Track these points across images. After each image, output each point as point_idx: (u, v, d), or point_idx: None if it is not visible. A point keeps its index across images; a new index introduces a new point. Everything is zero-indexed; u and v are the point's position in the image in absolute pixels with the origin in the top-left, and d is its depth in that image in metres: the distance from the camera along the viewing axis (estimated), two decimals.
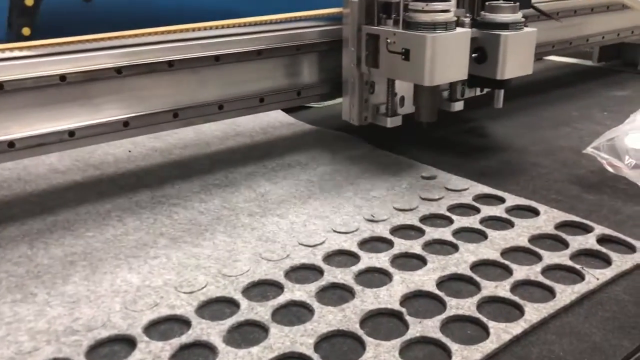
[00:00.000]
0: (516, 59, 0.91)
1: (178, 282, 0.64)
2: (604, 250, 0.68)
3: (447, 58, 0.82)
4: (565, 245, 0.70)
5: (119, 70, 0.78)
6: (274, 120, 1.20)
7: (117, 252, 0.70)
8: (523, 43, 0.91)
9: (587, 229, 0.73)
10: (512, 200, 0.81)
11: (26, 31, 1.10)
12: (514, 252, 0.69)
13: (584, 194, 0.85)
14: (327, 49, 0.97)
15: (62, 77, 0.74)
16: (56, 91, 0.75)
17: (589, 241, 0.70)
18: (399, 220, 0.76)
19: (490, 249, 0.69)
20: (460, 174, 0.91)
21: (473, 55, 0.91)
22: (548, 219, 0.76)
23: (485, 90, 1.06)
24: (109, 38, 0.79)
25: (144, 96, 0.80)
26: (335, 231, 0.74)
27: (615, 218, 0.77)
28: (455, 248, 0.70)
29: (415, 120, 0.91)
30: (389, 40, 0.86)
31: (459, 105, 1.04)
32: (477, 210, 0.79)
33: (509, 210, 0.79)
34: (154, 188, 0.88)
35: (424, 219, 0.77)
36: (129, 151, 1.04)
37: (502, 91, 0.99)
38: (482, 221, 0.76)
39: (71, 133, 0.76)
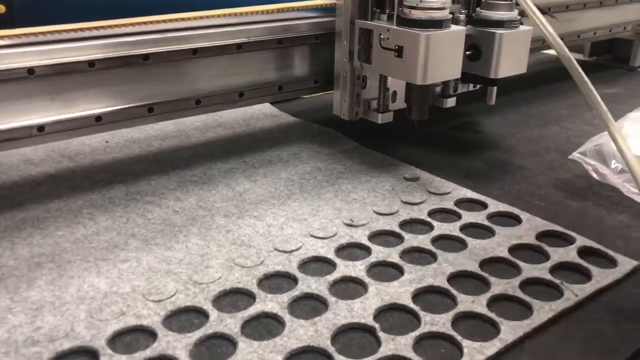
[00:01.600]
0: (511, 58, 0.89)
1: (147, 288, 0.62)
2: (584, 264, 0.67)
3: (441, 57, 0.80)
4: (546, 257, 0.68)
5: (91, 64, 0.75)
6: (258, 112, 1.17)
7: (87, 254, 0.68)
8: (518, 41, 0.89)
9: (569, 240, 0.72)
10: (494, 206, 0.80)
11: (1, 8, 1.06)
12: (493, 263, 0.67)
13: (569, 200, 0.84)
14: (312, 43, 0.94)
15: (31, 70, 0.71)
16: (24, 85, 0.72)
17: (570, 254, 0.69)
18: (379, 225, 0.75)
19: (469, 260, 0.67)
20: (444, 175, 0.89)
21: (467, 52, 0.88)
22: (530, 227, 0.74)
23: (478, 85, 1.04)
24: (82, 29, 0.76)
25: (118, 90, 0.78)
26: (312, 236, 0.72)
27: (598, 228, 0.76)
28: (433, 257, 0.68)
29: (405, 117, 0.89)
30: (382, 36, 0.83)
31: (451, 102, 1.02)
32: (459, 217, 0.77)
33: (491, 217, 0.77)
34: (129, 183, 0.86)
35: (404, 224, 0.75)
36: (106, 142, 1.01)
37: (495, 88, 0.97)
38: (463, 228, 0.74)
39: (40, 128, 0.74)
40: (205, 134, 1.06)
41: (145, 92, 0.80)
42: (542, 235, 0.73)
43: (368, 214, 0.77)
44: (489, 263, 0.67)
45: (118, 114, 0.78)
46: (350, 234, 0.73)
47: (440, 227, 0.74)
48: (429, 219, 0.76)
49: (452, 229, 0.74)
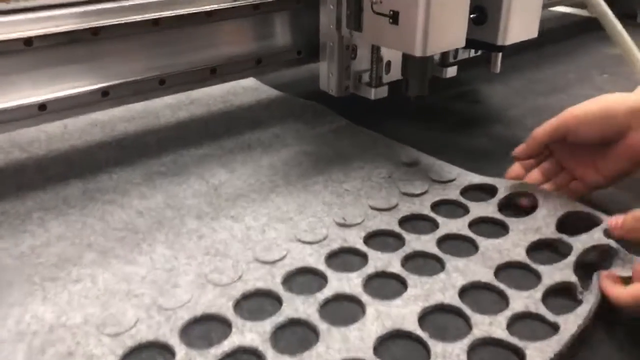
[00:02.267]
0: (521, 21, 0.77)
1: (102, 318, 0.52)
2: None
3: (444, 23, 0.68)
4: (569, 249, 0.58)
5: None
6: (236, 85, 1.05)
7: (32, 273, 0.58)
8: (529, 2, 0.78)
9: (595, 222, 0.62)
10: (504, 190, 0.69)
11: None
12: (509, 270, 0.58)
13: None
14: (293, 8, 0.82)
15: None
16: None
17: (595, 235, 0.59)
18: (375, 223, 0.65)
19: (482, 266, 0.58)
20: (445, 157, 0.79)
21: (471, 15, 0.77)
22: (548, 213, 0.64)
23: (480, 51, 0.93)
24: None
25: (62, 72, 0.66)
26: (299, 240, 0.62)
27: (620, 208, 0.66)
28: (440, 264, 0.59)
29: (402, 92, 0.77)
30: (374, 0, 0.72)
31: (451, 71, 0.91)
32: (466, 210, 0.67)
33: (502, 206, 0.67)
34: (88, 178, 0.75)
35: (404, 221, 0.65)
36: (65, 126, 0.89)
37: (500, 55, 0.85)
38: (472, 224, 0.64)
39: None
40: (176, 114, 0.94)
41: (95, 72, 0.68)
42: (563, 222, 0.62)
43: (363, 210, 0.67)
44: (505, 269, 0.58)
45: (63, 102, 0.66)
46: (343, 236, 0.63)
47: (447, 225, 0.64)
48: (432, 214, 0.66)
49: (459, 226, 0.64)
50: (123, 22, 0.66)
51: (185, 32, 0.73)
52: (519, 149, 0.68)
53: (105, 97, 0.68)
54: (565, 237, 0.60)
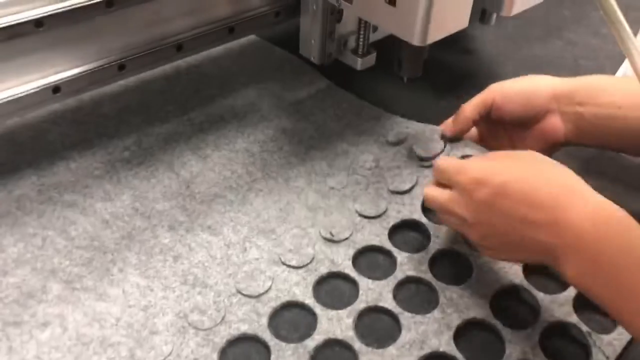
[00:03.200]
0: None
1: None
2: None
3: (448, 5, 0.59)
4: None
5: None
6: None
7: None
8: None
9: None
10: None
11: None
12: (506, 298, 0.56)
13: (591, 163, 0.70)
14: None
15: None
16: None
17: None
18: (364, 236, 0.60)
19: (477, 297, 0.55)
20: (436, 121, 0.72)
21: None
22: None
23: None
24: None
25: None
26: (284, 263, 0.57)
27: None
28: (434, 293, 0.56)
29: (394, 71, 0.69)
30: None
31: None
32: None
33: None
34: (43, 168, 0.67)
35: (395, 232, 0.61)
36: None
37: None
38: None
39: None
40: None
41: (46, 63, 0.58)
42: None
43: (350, 217, 0.62)
44: (501, 298, 0.56)
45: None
46: (330, 256, 0.58)
47: (438, 236, 0.60)
48: (423, 220, 0.62)
49: (452, 238, 0.60)
50: (63, 9, 0.54)
51: (140, 9, 0.61)
52: (448, 130, 0.66)
53: (56, 93, 0.58)
54: None
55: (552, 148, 0.63)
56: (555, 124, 0.61)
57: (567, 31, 0.99)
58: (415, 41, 0.60)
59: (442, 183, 0.54)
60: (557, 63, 0.91)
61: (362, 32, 0.72)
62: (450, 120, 0.66)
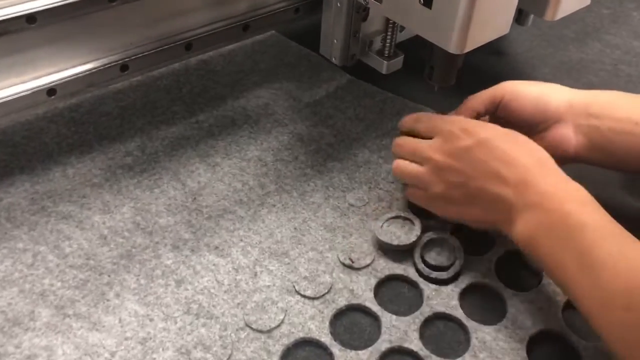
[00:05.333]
0: None
1: None
2: None
3: (490, 11, 0.53)
4: None
5: None
6: None
7: None
8: None
9: None
10: None
11: None
12: (542, 345, 0.50)
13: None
14: None
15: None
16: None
17: None
18: (387, 264, 0.54)
19: (512, 340, 0.49)
20: None
21: None
22: None
23: None
24: None
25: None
26: (298, 293, 0.52)
27: None
28: (465, 333, 0.50)
29: (424, 78, 0.63)
30: None
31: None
32: (492, 241, 0.57)
33: None
34: (37, 174, 0.61)
35: (420, 259, 0.56)
36: None
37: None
38: (498, 262, 0.55)
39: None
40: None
41: (42, 63, 0.52)
42: None
43: (371, 242, 0.57)
44: (539, 343, 0.50)
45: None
46: (349, 286, 0.53)
47: (468, 266, 0.54)
48: (451, 242, 0.56)
49: (484, 269, 0.54)
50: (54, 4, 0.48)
51: (145, 4, 0.55)
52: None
53: (51, 96, 0.52)
54: None
55: (558, 160, 0.57)
56: (566, 134, 0.57)
57: (606, 32, 0.92)
58: (452, 48, 0.54)
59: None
60: (594, 68, 0.84)
61: (389, 33, 0.66)
62: (454, 113, 0.61)
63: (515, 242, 0.49)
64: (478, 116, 0.60)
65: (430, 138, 0.54)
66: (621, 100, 0.58)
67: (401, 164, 0.56)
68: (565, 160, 0.58)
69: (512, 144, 0.51)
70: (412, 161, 0.55)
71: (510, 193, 0.48)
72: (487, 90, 0.60)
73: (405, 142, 0.56)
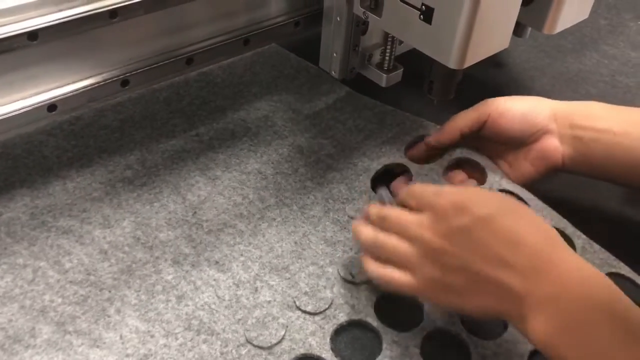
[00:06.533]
0: (575, 2, 0.63)
1: None
2: None
3: (490, 26, 0.53)
4: None
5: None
6: None
7: None
8: None
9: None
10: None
11: None
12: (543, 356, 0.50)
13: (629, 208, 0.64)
14: None
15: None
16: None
17: None
18: None
19: (513, 355, 0.49)
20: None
21: None
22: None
23: None
24: None
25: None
26: (299, 309, 0.52)
27: None
28: (465, 349, 0.50)
29: (423, 92, 0.63)
30: None
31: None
32: None
33: None
34: (37, 187, 0.61)
35: None
36: None
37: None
38: None
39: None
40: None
41: (38, 80, 0.52)
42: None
43: None
44: (540, 356, 0.50)
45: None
46: (350, 301, 0.53)
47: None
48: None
49: None
50: (60, 20, 0.48)
51: (145, 21, 0.55)
52: (433, 136, 0.63)
53: (51, 112, 0.52)
54: None
55: (547, 171, 0.59)
56: (552, 145, 0.58)
57: (603, 43, 0.93)
58: (452, 64, 0.54)
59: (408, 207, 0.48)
60: (592, 79, 0.85)
61: (389, 46, 0.66)
62: (437, 132, 0.62)
63: (529, 340, 0.41)
64: (462, 136, 0.60)
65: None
66: (601, 111, 0.59)
67: (380, 236, 0.47)
68: (554, 170, 0.59)
69: (514, 219, 0.44)
70: (392, 232, 0.47)
71: (519, 282, 0.41)
72: (471, 109, 0.60)
73: (388, 213, 0.48)
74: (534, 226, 0.44)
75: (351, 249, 0.57)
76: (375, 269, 0.47)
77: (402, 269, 0.45)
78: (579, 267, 0.42)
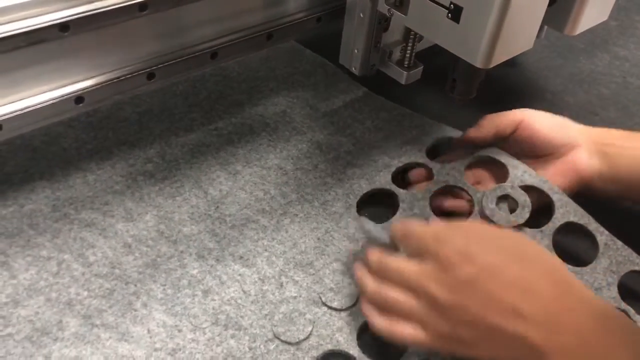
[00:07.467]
0: (597, 3, 0.63)
1: None
2: None
3: (517, 26, 0.53)
4: None
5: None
6: None
7: (1, 354, 0.47)
8: None
9: None
10: (561, 211, 0.58)
11: None
12: None
13: None
14: None
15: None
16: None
17: None
18: None
19: None
20: None
21: None
22: (609, 268, 0.55)
23: None
24: None
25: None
26: (325, 304, 0.52)
27: None
28: None
29: (445, 91, 0.63)
30: None
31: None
32: None
33: (558, 244, 0.58)
34: (57, 180, 0.61)
35: None
36: None
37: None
38: None
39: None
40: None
41: (66, 71, 0.51)
42: (625, 284, 0.54)
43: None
44: None
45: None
46: None
47: None
48: None
49: None
50: (91, 12, 0.48)
51: (171, 14, 0.54)
52: (471, 131, 0.62)
53: (79, 104, 0.52)
54: (632, 313, 0.52)
55: (578, 185, 0.59)
56: (584, 158, 0.58)
57: (614, 44, 0.93)
58: (479, 63, 0.54)
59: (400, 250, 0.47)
60: (604, 80, 0.85)
61: (409, 43, 0.66)
62: (475, 129, 0.62)
63: None
64: (496, 136, 0.60)
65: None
66: (622, 133, 0.60)
67: (384, 289, 0.45)
68: (585, 186, 0.59)
69: (522, 266, 0.42)
70: (390, 282, 0.45)
71: (536, 333, 0.39)
72: (504, 112, 0.60)
73: (389, 263, 0.46)
74: (543, 270, 0.43)
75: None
76: (383, 324, 0.45)
77: (409, 322, 0.44)
78: (593, 310, 0.41)
